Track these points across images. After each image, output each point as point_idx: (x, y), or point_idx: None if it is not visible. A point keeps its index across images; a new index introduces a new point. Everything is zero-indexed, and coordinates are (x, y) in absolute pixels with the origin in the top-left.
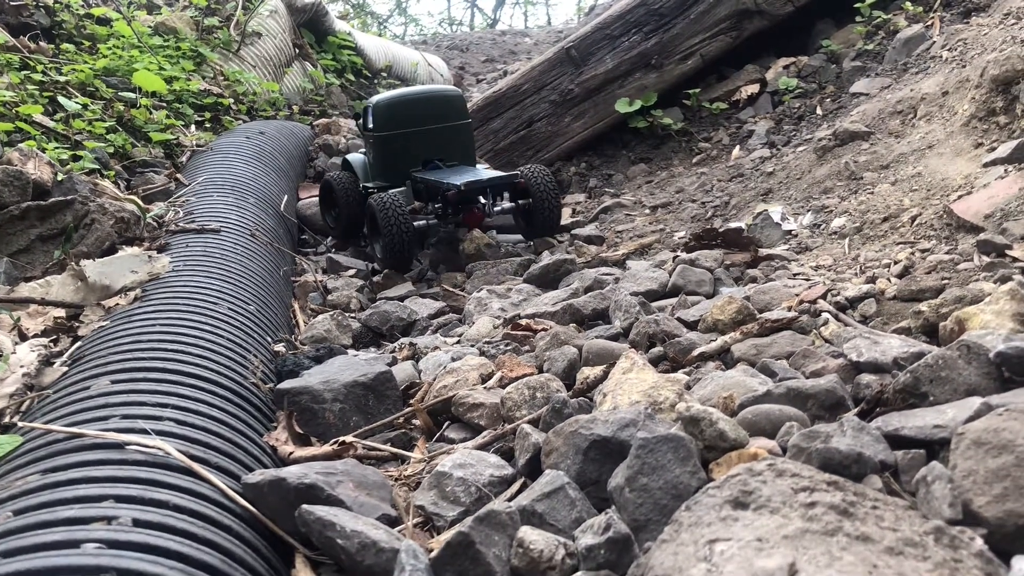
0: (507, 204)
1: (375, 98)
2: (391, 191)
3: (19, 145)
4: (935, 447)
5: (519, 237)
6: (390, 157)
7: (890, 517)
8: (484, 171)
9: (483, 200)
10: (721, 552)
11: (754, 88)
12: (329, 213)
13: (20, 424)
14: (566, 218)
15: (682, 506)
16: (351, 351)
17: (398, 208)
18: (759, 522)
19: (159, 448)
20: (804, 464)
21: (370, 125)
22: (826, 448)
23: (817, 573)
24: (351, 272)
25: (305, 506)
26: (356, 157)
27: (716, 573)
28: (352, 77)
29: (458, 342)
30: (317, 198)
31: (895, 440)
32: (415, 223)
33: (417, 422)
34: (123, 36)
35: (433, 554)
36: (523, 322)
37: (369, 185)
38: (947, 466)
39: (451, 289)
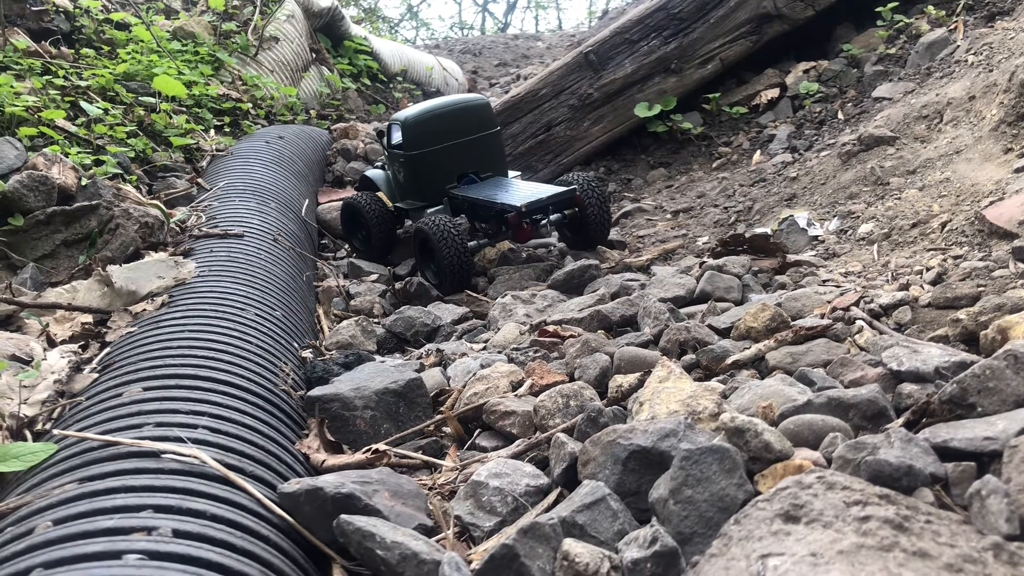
0: (554, 216)
1: (402, 114)
2: (437, 212)
3: (43, 150)
4: (985, 460)
5: (540, 241)
6: (423, 175)
7: (946, 532)
8: (527, 184)
9: (539, 217)
10: (775, 567)
11: (774, 92)
12: (356, 236)
13: (55, 432)
14: None
15: (731, 519)
16: (377, 357)
17: (454, 232)
18: (812, 536)
19: (195, 457)
20: (853, 477)
21: (397, 141)
22: (875, 460)
23: None
24: (373, 277)
25: (344, 516)
26: (377, 174)
27: None
28: (368, 81)
29: (484, 348)
30: (340, 205)
31: (944, 452)
32: (468, 243)
33: (448, 430)
34: (142, 41)
35: (475, 566)
36: (550, 328)
37: (401, 205)
38: (1000, 479)
39: (474, 295)
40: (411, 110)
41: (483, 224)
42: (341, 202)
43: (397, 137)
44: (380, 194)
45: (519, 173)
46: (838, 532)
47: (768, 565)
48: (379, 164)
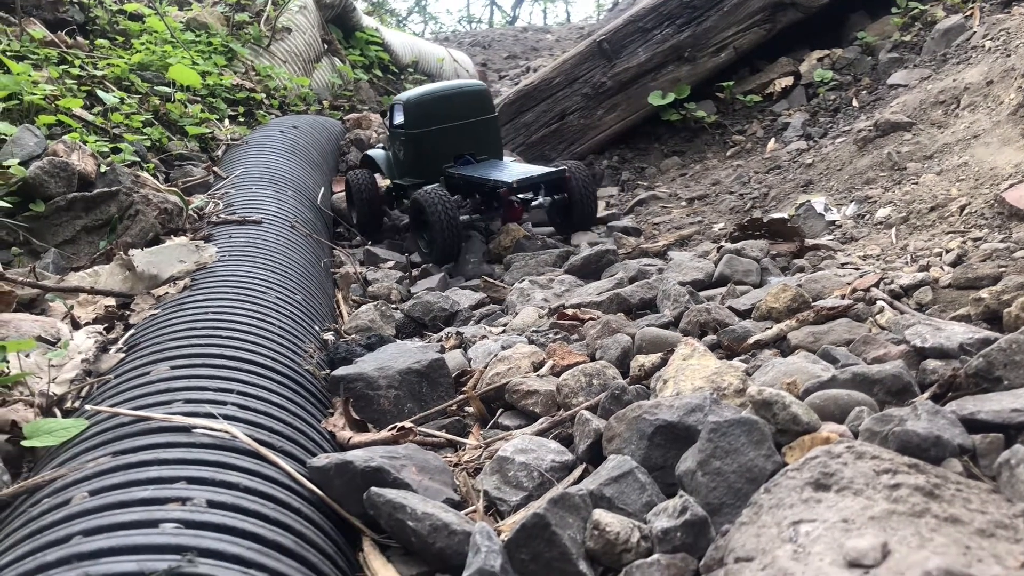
0: (544, 199)
1: (404, 95)
2: (433, 187)
3: (63, 137)
4: (1012, 431)
5: (551, 229)
6: (422, 153)
7: (976, 500)
8: (520, 165)
9: (531, 196)
10: (807, 533)
11: (788, 81)
12: (351, 209)
13: (87, 408)
14: (601, 211)
15: (760, 488)
16: (397, 340)
17: (447, 203)
18: (843, 503)
19: (226, 431)
20: (881, 447)
21: (399, 121)
22: (903, 431)
23: (910, 554)
24: (390, 264)
25: (374, 488)
26: (378, 153)
27: (803, 554)
28: (380, 72)
29: (503, 331)
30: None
31: (971, 424)
32: (461, 217)
33: (470, 409)
34: (156, 31)
35: (505, 536)
36: (570, 311)
37: (400, 182)
38: None
39: (491, 280)
40: (413, 91)
41: (476, 200)
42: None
43: (399, 117)
44: (377, 176)
45: (515, 158)
46: (869, 499)
47: (800, 531)
48: (381, 145)
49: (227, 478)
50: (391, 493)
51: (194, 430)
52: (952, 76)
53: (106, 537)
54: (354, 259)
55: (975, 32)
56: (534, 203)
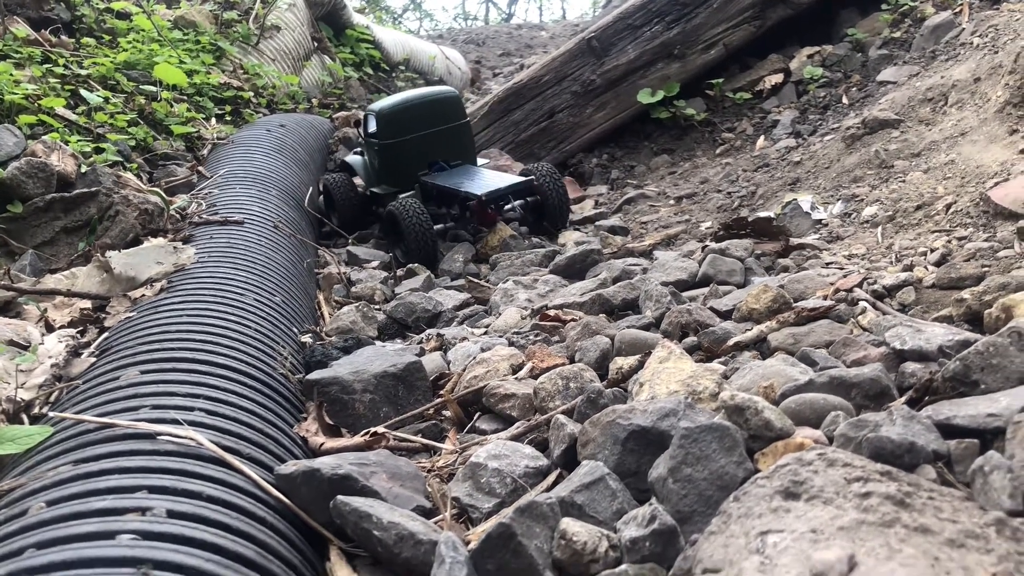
0: (517, 203)
1: (376, 105)
2: (407, 197)
3: (43, 137)
4: (988, 436)
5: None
6: (396, 162)
7: (948, 508)
8: (491, 173)
9: (503, 203)
10: (774, 544)
11: (778, 78)
12: (332, 212)
13: (51, 414)
14: (589, 210)
15: (730, 497)
16: (377, 342)
17: (420, 215)
18: (812, 513)
19: (191, 438)
20: (854, 454)
21: (372, 131)
22: (877, 437)
23: (878, 566)
24: (374, 264)
25: (340, 497)
26: (356, 159)
27: (770, 566)
28: (370, 70)
29: (486, 333)
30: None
31: (947, 429)
32: (435, 226)
33: (448, 413)
34: (143, 30)
35: (472, 546)
36: (552, 312)
37: (376, 190)
38: (1003, 455)
39: (475, 280)
40: (385, 101)
41: (450, 209)
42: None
43: (372, 126)
44: (356, 179)
45: (487, 162)
46: (839, 508)
47: (767, 542)
48: (358, 150)
49: (190, 487)
50: (357, 501)
51: (159, 437)
52: (940, 73)
53: (59, 550)
54: (339, 259)
55: (964, 29)
56: (507, 207)
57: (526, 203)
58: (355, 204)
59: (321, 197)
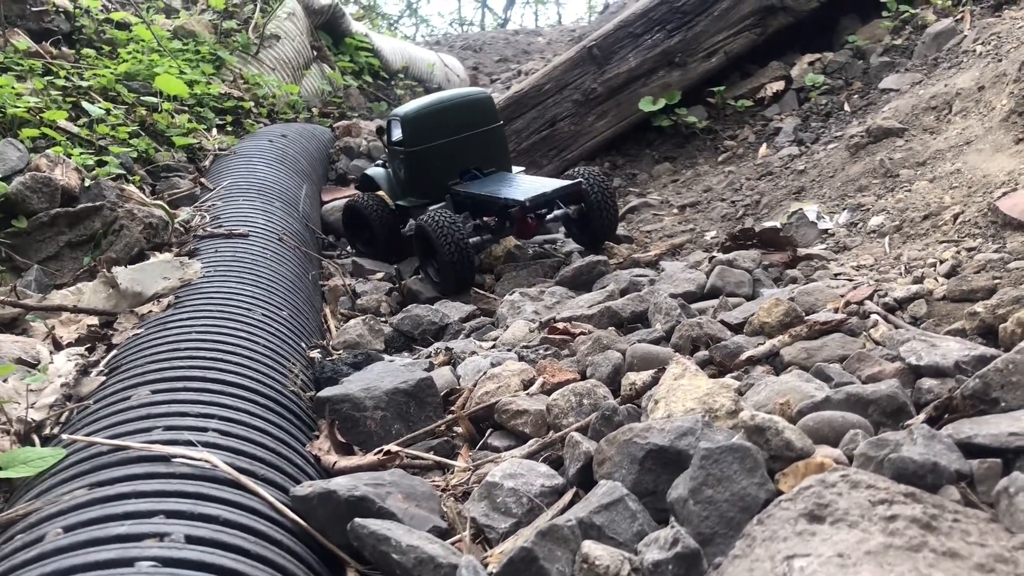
0: (558, 211)
1: (402, 109)
2: (438, 209)
3: (46, 151)
4: (1010, 456)
5: (544, 237)
6: (425, 171)
7: (975, 531)
8: (531, 178)
9: (544, 212)
10: (801, 569)
11: (779, 85)
12: (359, 237)
13: (63, 437)
14: None
15: (754, 520)
16: (386, 356)
17: (456, 228)
18: (838, 536)
19: (206, 461)
20: (876, 475)
21: (398, 138)
22: (899, 458)
23: None
24: (379, 276)
25: (358, 519)
26: (378, 172)
27: None
28: (370, 78)
29: (493, 346)
30: (343, 204)
31: (968, 448)
32: (471, 240)
33: (459, 429)
34: (143, 40)
35: (492, 569)
36: (560, 325)
37: (403, 203)
38: None
39: (481, 292)
40: (411, 105)
41: (487, 220)
42: (344, 202)
43: (397, 133)
44: (381, 193)
45: (523, 168)
46: (865, 532)
47: (794, 567)
48: (380, 162)
49: (207, 511)
50: (375, 524)
51: (173, 459)
52: (944, 81)
53: None
54: (344, 271)
55: (966, 36)
56: (549, 216)
57: (569, 212)
58: (392, 225)
59: (342, 220)
